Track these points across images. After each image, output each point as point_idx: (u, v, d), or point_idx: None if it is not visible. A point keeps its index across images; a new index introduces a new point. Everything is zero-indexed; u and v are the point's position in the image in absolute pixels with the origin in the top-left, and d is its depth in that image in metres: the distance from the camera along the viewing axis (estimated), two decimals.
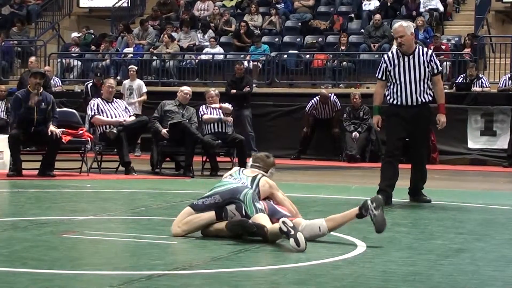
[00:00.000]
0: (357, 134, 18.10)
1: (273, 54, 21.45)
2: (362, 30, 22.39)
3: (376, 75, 10.04)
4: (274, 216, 6.74)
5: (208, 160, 14.51)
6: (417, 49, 9.79)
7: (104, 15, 27.34)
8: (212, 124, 14.46)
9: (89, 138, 13.71)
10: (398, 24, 10.01)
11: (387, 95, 9.93)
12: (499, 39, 21.64)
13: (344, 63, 21.11)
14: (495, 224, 8.42)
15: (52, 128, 12.76)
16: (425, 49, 10.21)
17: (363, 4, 23.67)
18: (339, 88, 20.42)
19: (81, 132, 13.66)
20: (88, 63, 23.45)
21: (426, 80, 9.73)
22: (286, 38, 23.01)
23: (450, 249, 6.58)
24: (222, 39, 23.20)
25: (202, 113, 14.52)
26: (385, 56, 10.03)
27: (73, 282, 5.15)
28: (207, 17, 24.24)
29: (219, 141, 14.18)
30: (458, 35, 22.01)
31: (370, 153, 18.34)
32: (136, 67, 19.81)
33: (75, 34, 24.96)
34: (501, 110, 17.91)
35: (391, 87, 9.81)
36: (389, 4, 23.21)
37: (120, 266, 5.70)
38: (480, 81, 18.99)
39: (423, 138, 10.12)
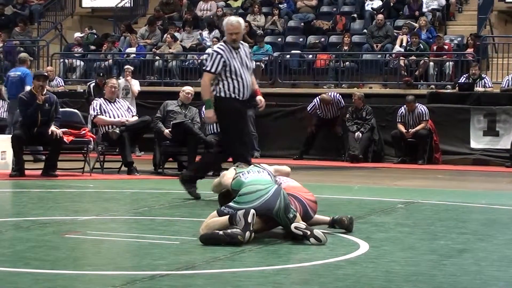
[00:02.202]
0: (360, 134, 18.08)
1: (275, 54, 21.45)
2: (365, 30, 22.38)
3: (209, 69, 9.50)
4: (306, 217, 7.01)
5: None
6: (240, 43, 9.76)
7: (107, 15, 27.34)
8: (214, 124, 14.45)
9: (91, 138, 13.72)
10: (236, 20, 9.79)
11: (223, 89, 9.53)
12: (502, 39, 21.62)
13: (347, 63, 21.10)
14: (498, 224, 8.41)
15: (53, 128, 12.78)
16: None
17: (365, 4, 23.67)
18: (341, 88, 20.40)
19: (84, 132, 13.67)
20: (90, 63, 23.46)
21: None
22: (289, 38, 23.01)
23: (452, 249, 6.57)
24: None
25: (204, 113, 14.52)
26: (218, 49, 9.63)
27: (75, 282, 5.15)
28: (211, 17, 24.24)
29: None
30: (461, 35, 22.00)
31: (372, 153, 18.32)
32: (131, 68, 19.69)
33: (77, 34, 24.97)
34: (504, 110, 17.88)
35: (228, 81, 9.50)
36: (391, 4, 23.20)
37: (123, 266, 5.70)
38: (483, 81, 18.98)
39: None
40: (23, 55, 18.41)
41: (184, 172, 10.86)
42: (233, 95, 9.54)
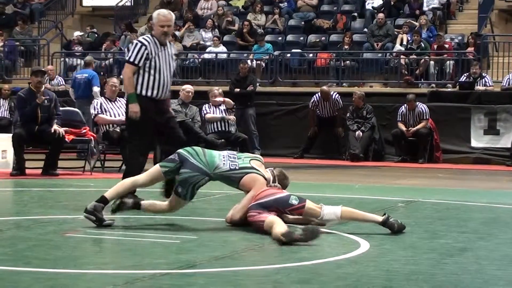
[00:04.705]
0: (360, 133, 18.08)
1: (276, 53, 21.43)
2: (366, 29, 22.37)
3: (132, 60, 8.87)
4: (284, 207, 7.11)
5: None
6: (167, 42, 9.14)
7: (107, 14, 27.33)
8: (215, 123, 14.47)
9: (92, 137, 13.72)
10: (168, 12, 9.28)
11: (139, 86, 8.94)
12: (503, 38, 21.61)
13: (348, 62, 21.09)
14: (499, 223, 8.41)
15: (55, 127, 12.78)
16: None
17: (366, 3, 23.66)
18: (342, 87, 20.41)
19: (84, 131, 13.67)
20: None
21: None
22: (290, 37, 23.00)
23: (453, 248, 6.57)
24: (226, 38, 23.19)
25: (205, 112, 14.53)
26: (143, 39, 9.02)
27: (76, 281, 5.15)
28: (211, 16, 24.24)
29: (223, 140, 14.20)
30: (462, 34, 21.99)
31: (373, 152, 18.34)
32: None
33: (77, 33, 24.96)
34: (504, 109, 17.89)
35: (143, 76, 8.91)
36: (392, 3, 23.19)
37: (123, 265, 5.70)
38: (483, 80, 18.98)
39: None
40: (88, 58, 19.55)
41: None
42: (145, 92, 8.87)
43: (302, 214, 7.11)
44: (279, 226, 6.67)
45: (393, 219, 7.17)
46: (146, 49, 8.84)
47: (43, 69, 13.79)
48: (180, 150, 7.54)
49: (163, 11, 9.21)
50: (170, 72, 9.05)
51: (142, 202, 7.64)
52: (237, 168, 7.38)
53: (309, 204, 7.13)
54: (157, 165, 7.56)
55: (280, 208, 7.07)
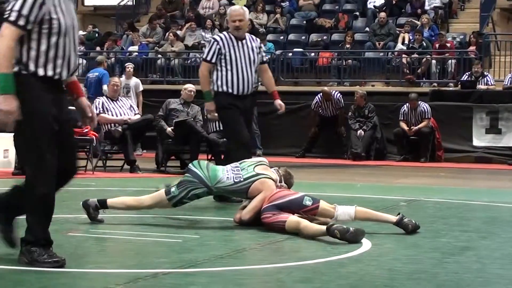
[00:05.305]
0: (362, 132, 18.08)
1: (278, 52, 21.45)
2: (367, 28, 22.38)
3: (205, 57, 9.09)
4: (298, 208, 7.06)
5: (213, 158, 14.51)
6: (247, 36, 9.24)
7: (109, 13, 27.35)
8: (217, 122, 14.45)
9: (94, 137, 13.72)
10: (239, 7, 9.48)
11: (217, 82, 9.07)
12: (504, 37, 21.60)
13: (349, 61, 21.10)
14: (501, 222, 8.41)
15: None
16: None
17: (368, 2, 23.66)
18: (344, 86, 20.42)
19: (86, 130, 13.68)
20: (92, 61, 23.43)
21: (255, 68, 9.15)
22: (291, 36, 23.01)
23: (455, 247, 6.57)
24: None
25: None
26: (216, 36, 9.23)
27: (78, 281, 5.16)
28: (213, 15, 24.25)
29: (224, 139, 14.18)
30: (463, 33, 21.99)
31: (375, 151, 18.34)
32: (132, 65, 19.62)
33: (80, 32, 24.97)
34: (506, 108, 17.89)
35: (223, 73, 9.03)
36: (394, 2, 23.19)
37: (126, 264, 5.71)
38: (485, 79, 18.98)
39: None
40: (100, 57, 20.07)
41: None
42: (225, 89, 9.00)
43: (316, 214, 7.11)
44: (312, 225, 6.77)
45: (407, 219, 7.15)
46: (217, 44, 8.97)
47: None
48: (190, 164, 7.68)
49: (235, 7, 9.48)
50: (251, 66, 9.06)
51: (108, 200, 7.63)
52: (241, 180, 7.43)
53: (323, 204, 7.13)
54: (163, 191, 7.52)
55: (294, 209, 7.07)
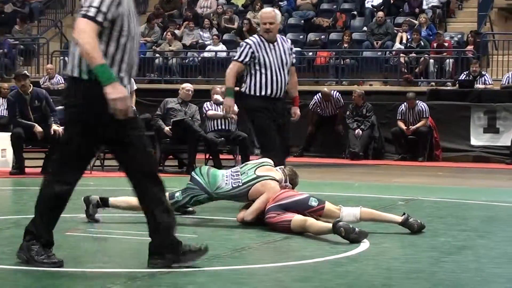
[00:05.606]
0: (360, 132, 18.08)
1: None
2: (365, 28, 22.38)
3: (236, 58, 9.00)
4: (304, 209, 7.06)
5: (211, 157, 14.51)
6: (279, 37, 9.14)
7: None
8: (215, 121, 14.45)
9: None
10: (271, 9, 9.42)
11: (250, 85, 9.01)
12: (502, 36, 21.62)
13: (347, 60, 21.10)
14: (498, 221, 8.42)
15: (55, 127, 12.78)
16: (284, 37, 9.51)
17: (366, 2, 23.67)
18: (342, 85, 20.41)
19: None
20: None
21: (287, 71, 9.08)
22: (289, 36, 22.93)
23: (453, 246, 6.58)
24: (225, 36, 23.20)
25: (207, 109, 14.49)
26: (249, 40, 9.15)
27: (76, 280, 5.16)
28: (211, 14, 24.24)
29: (222, 138, 14.17)
30: (461, 32, 22.00)
31: (373, 150, 18.35)
32: None
33: None
34: (504, 107, 17.90)
35: (257, 77, 8.97)
36: (392, 1, 23.20)
37: (124, 264, 5.71)
38: (483, 78, 18.98)
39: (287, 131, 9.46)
40: None
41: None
42: (257, 93, 8.94)
43: (321, 215, 7.10)
44: (318, 222, 6.80)
45: (412, 219, 7.15)
46: (250, 48, 8.91)
47: (24, 73, 13.59)
48: (192, 172, 7.84)
49: (267, 9, 9.45)
50: (283, 68, 8.98)
51: (111, 198, 7.66)
52: (240, 184, 7.48)
53: (328, 205, 7.13)
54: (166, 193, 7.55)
55: (299, 210, 7.06)
